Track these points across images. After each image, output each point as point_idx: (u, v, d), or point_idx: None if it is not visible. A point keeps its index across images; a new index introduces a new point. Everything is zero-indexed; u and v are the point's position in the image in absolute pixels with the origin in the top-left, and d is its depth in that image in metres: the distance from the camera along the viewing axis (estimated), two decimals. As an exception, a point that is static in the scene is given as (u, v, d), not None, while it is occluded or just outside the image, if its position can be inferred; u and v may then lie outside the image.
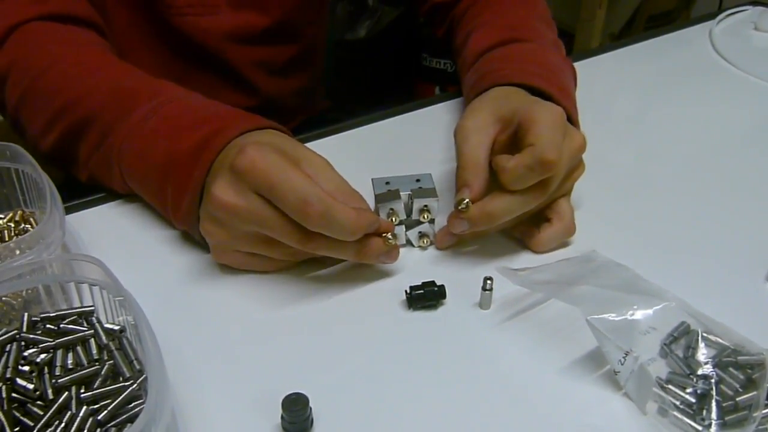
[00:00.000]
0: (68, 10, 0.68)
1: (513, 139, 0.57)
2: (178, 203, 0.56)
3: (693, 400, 0.45)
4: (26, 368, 0.42)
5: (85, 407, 0.40)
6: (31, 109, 0.65)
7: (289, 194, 0.48)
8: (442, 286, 0.53)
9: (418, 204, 0.57)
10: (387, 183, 0.59)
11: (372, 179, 0.60)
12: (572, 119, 0.63)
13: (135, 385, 0.42)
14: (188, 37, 0.79)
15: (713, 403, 0.44)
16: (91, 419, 0.40)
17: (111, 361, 0.43)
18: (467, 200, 0.54)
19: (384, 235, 0.53)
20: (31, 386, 0.41)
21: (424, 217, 0.58)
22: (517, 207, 0.55)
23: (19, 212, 0.58)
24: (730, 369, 0.46)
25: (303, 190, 0.48)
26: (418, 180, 0.59)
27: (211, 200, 0.51)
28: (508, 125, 0.57)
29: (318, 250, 0.52)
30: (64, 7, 0.68)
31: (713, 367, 0.47)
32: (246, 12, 0.81)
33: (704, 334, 0.48)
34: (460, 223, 0.55)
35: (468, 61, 0.74)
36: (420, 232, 0.59)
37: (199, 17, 0.78)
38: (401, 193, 0.57)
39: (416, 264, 0.57)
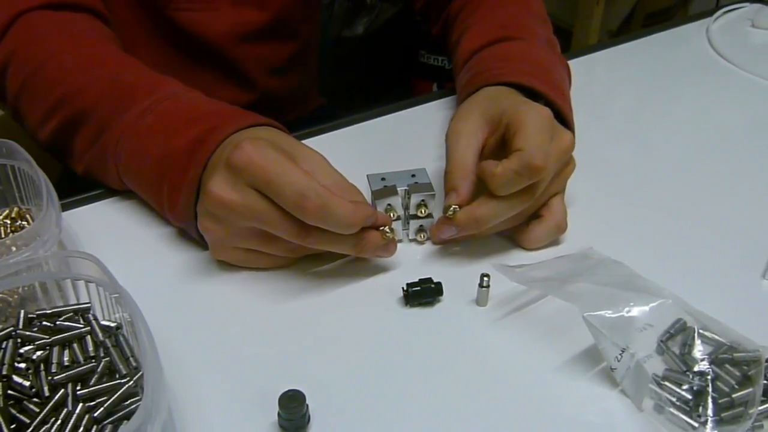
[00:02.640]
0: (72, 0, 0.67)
1: (502, 141, 0.57)
2: (174, 201, 0.56)
3: (689, 397, 0.45)
4: (22, 365, 0.42)
5: (81, 404, 0.40)
6: (30, 100, 0.64)
7: (286, 188, 0.48)
8: (438, 283, 0.53)
9: (415, 199, 0.57)
10: (383, 179, 0.59)
11: (367, 175, 0.60)
12: (566, 118, 0.63)
13: (131, 382, 0.42)
14: (187, 32, 0.79)
15: (709, 400, 0.45)
16: (87, 416, 0.40)
17: (107, 358, 0.43)
18: (454, 206, 0.54)
19: (381, 228, 0.53)
20: (27, 383, 0.41)
21: (421, 212, 0.58)
22: (504, 211, 0.55)
23: (16, 209, 0.58)
24: (726, 366, 0.46)
25: (300, 183, 0.48)
26: (413, 175, 0.59)
27: (208, 197, 0.51)
28: (497, 128, 0.57)
29: (316, 244, 0.52)
30: None
31: (709, 364, 0.47)
32: (245, 9, 0.81)
33: (700, 331, 0.48)
34: (449, 229, 0.55)
35: (460, 61, 0.74)
36: (420, 226, 0.59)
37: (199, 13, 0.78)
38: (398, 189, 0.57)
39: (413, 261, 0.57)
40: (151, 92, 0.60)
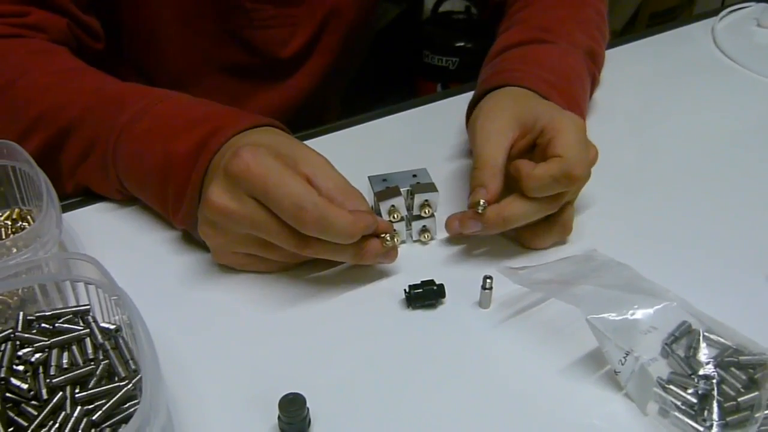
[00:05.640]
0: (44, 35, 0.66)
1: (531, 144, 0.57)
2: (178, 205, 0.55)
3: (694, 401, 0.45)
4: (21, 368, 0.42)
5: (79, 407, 0.40)
6: (1, 121, 0.61)
7: (284, 200, 0.48)
8: (441, 285, 0.53)
9: (419, 199, 0.57)
10: (384, 180, 0.59)
11: (369, 177, 0.59)
12: None
13: (130, 385, 0.41)
14: (260, 52, 0.78)
15: (715, 404, 0.44)
16: (85, 419, 0.40)
17: (106, 361, 0.43)
18: (484, 202, 0.54)
19: (382, 236, 0.53)
20: (25, 386, 0.41)
21: (425, 212, 0.58)
22: (532, 214, 0.55)
23: (16, 210, 0.58)
24: (732, 369, 0.46)
25: (298, 195, 0.48)
26: (414, 175, 0.59)
27: (207, 204, 0.50)
28: (529, 131, 0.57)
29: (315, 254, 0.51)
30: (39, 33, 0.65)
31: (715, 367, 0.46)
32: (322, 23, 0.80)
33: (706, 334, 0.48)
34: (474, 224, 0.55)
35: (492, 53, 0.73)
36: (423, 226, 0.58)
37: (278, 30, 0.78)
38: (401, 189, 0.57)
39: (415, 263, 0.57)
40: (141, 96, 0.59)
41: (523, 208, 0.54)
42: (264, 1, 0.76)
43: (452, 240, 0.59)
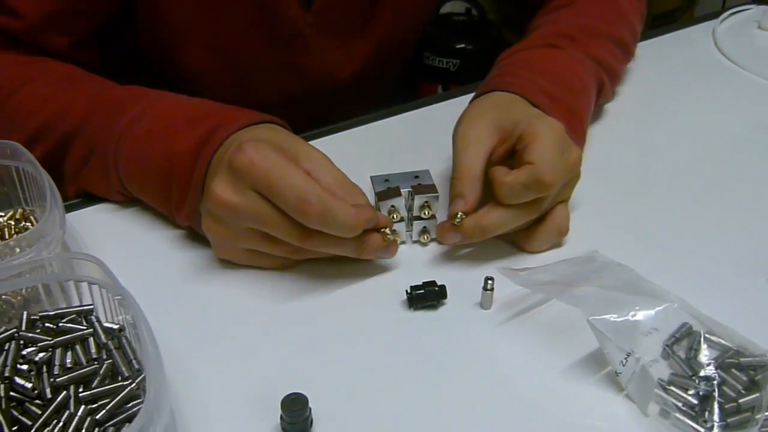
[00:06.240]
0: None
1: (511, 150, 0.56)
2: (182, 202, 0.56)
3: (695, 402, 0.45)
4: (25, 367, 0.42)
5: (83, 406, 0.40)
6: (1, 133, 0.61)
7: (288, 193, 0.48)
8: (442, 286, 0.53)
9: (419, 200, 0.57)
10: (386, 180, 0.59)
11: (371, 177, 0.59)
12: (574, 136, 0.61)
13: (133, 384, 0.42)
14: (317, 75, 0.79)
15: (715, 405, 0.44)
16: (89, 418, 0.40)
17: (110, 360, 0.43)
18: (461, 213, 0.54)
19: (382, 230, 0.53)
20: (29, 385, 0.41)
21: (425, 213, 0.58)
22: (510, 221, 0.55)
23: (20, 210, 0.58)
24: (733, 370, 0.46)
25: (302, 188, 0.48)
26: (416, 176, 0.59)
27: (210, 197, 0.51)
28: (508, 137, 0.57)
29: (317, 247, 0.52)
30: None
31: (715, 369, 0.46)
32: (373, 41, 0.81)
33: (706, 335, 0.48)
34: (454, 236, 0.55)
35: (502, 56, 0.73)
36: (423, 227, 0.59)
37: (334, 53, 0.78)
38: (401, 190, 0.57)
39: (417, 264, 0.57)
40: (139, 99, 0.60)
41: (501, 216, 0.54)
42: (325, 34, 0.76)
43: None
